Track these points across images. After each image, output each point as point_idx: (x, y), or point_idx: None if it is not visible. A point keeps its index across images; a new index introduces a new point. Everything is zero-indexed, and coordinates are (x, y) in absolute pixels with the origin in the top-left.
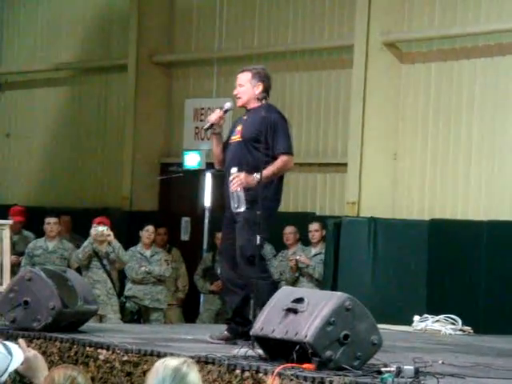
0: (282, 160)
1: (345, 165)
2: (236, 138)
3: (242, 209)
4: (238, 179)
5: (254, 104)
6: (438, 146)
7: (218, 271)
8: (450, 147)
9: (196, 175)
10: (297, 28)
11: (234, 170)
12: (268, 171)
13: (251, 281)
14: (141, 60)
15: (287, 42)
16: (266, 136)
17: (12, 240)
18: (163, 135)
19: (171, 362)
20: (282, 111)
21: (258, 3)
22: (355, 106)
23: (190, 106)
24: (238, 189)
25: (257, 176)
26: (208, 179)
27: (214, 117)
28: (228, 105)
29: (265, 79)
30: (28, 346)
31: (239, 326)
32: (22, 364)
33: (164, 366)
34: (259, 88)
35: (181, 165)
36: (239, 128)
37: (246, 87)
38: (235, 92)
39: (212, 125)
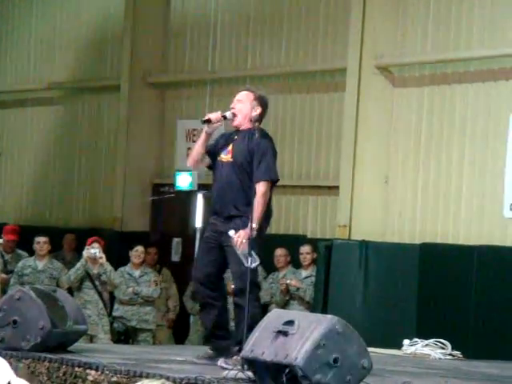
0: (260, 192)
1: (336, 188)
2: (227, 158)
3: (258, 261)
4: (240, 240)
5: (246, 125)
6: (429, 170)
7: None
8: (442, 171)
9: (187, 196)
10: (290, 50)
11: (231, 232)
12: (256, 213)
13: (242, 309)
14: (134, 80)
15: (280, 64)
16: (254, 161)
17: (4, 258)
18: (155, 156)
19: None
20: (272, 137)
21: (251, 25)
22: (347, 129)
23: (182, 126)
24: (245, 247)
25: (253, 225)
26: (200, 200)
27: (213, 116)
28: (228, 114)
29: (265, 106)
30: (16, 374)
31: (221, 340)
32: None
33: None
34: (257, 111)
35: (172, 185)
36: (230, 148)
37: (245, 105)
38: (232, 105)
39: (209, 121)
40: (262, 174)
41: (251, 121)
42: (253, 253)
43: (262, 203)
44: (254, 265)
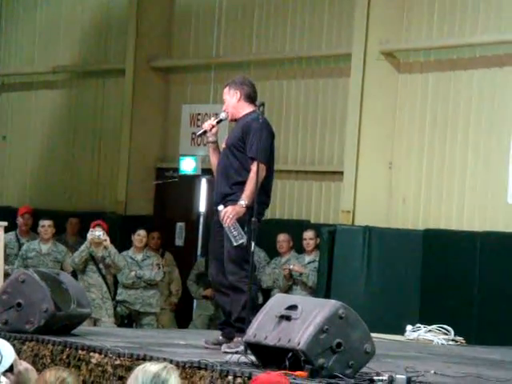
0: (253, 171)
1: (340, 173)
2: (224, 146)
3: (244, 239)
4: (227, 215)
5: (240, 113)
6: (433, 156)
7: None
8: (446, 157)
9: (191, 181)
10: (295, 35)
11: (220, 207)
12: (247, 190)
13: (232, 284)
14: (138, 65)
15: (285, 49)
16: (245, 141)
17: (20, 242)
18: (159, 140)
19: (151, 368)
20: (266, 120)
21: (256, 10)
22: (352, 114)
23: (186, 111)
24: (232, 223)
25: (241, 202)
26: (203, 185)
27: (206, 124)
28: (222, 115)
29: (242, 86)
30: (20, 357)
31: (231, 328)
32: (13, 374)
33: (144, 371)
34: (237, 95)
35: (176, 170)
36: (227, 137)
37: (227, 99)
38: (223, 107)
39: (205, 132)
40: (253, 153)
41: (240, 107)
42: (240, 230)
43: (252, 182)
44: (240, 241)
